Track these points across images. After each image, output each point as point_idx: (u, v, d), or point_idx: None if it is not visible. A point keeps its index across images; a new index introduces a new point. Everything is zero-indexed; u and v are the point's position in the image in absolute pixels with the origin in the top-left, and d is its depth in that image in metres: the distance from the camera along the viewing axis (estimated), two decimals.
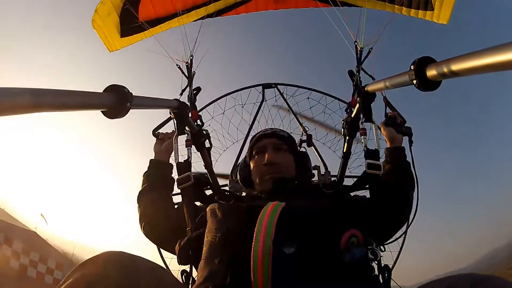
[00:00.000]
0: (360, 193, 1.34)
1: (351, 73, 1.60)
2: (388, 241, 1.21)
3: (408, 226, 1.82)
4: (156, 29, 2.06)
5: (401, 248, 1.83)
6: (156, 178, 1.25)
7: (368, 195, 1.19)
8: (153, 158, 1.32)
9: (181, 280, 1.07)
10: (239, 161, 2.03)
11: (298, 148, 1.36)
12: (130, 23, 1.95)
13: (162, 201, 1.20)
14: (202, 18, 2.14)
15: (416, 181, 1.22)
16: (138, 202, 1.24)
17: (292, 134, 1.37)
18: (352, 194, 1.29)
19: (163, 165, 1.29)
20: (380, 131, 1.32)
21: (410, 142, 1.30)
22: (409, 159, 1.26)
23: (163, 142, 1.32)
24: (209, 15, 2.14)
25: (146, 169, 1.30)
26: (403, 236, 1.84)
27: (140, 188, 1.26)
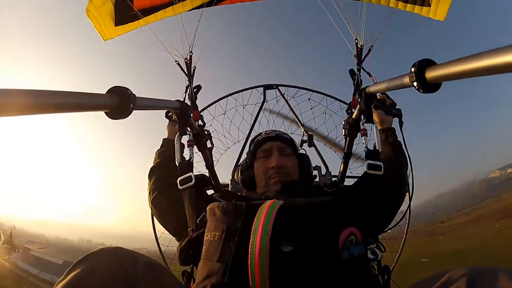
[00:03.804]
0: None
1: (351, 72, 1.60)
2: (388, 228, 1.19)
3: (407, 228, 1.82)
4: (151, 18, 2.04)
5: (401, 249, 1.83)
6: (168, 155, 1.34)
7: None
8: (166, 137, 1.45)
9: (182, 281, 1.07)
10: (240, 161, 2.04)
11: (299, 149, 1.36)
12: (125, 11, 1.94)
13: (172, 178, 1.22)
14: (198, 7, 2.12)
15: (410, 161, 1.24)
16: (149, 177, 1.33)
17: (293, 134, 1.38)
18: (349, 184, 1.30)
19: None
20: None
21: (401, 123, 1.33)
22: (400, 139, 1.29)
23: (176, 123, 1.38)
24: (205, 4, 2.12)
25: (159, 147, 1.42)
26: (404, 237, 1.84)
27: (152, 164, 1.36)
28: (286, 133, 1.32)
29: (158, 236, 1.83)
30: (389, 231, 1.24)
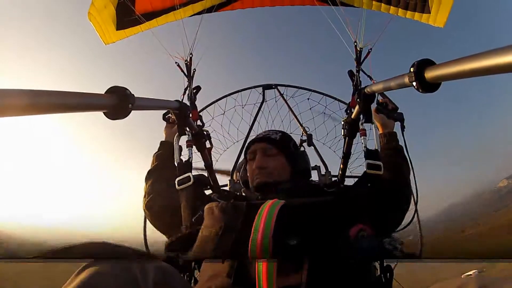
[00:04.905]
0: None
1: (350, 73, 1.60)
2: (394, 231, 1.18)
3: (419, 227, 1.79)
4: (152, 23, 2.04)
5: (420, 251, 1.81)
6: (166, 158, 1.33)
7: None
8: (163, 140, 1.44)
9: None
10: (239, 161, 2.03)
11: (299, 147, 1.35)
12: (126, 16, 1.94)
13: (169, 180, 1.21)
14: (199, 13, 2.13)
15: (411, 166, 1.22)
16: (146, 180, 1.31)
17: (292, 134, 1.37)
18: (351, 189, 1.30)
19: (172, 147, 1.32)
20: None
21: (402, 127, 1.32)
22: (401, 143, 1.28)
23: (173, 126, 1.38)
24: (206, 10, 2.13)
25: (157, 150, 1.41)
26: (420, 239, 1.82)
27: (150, 167, 1.35)
28: (279, 132, 1.28)
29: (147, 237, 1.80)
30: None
